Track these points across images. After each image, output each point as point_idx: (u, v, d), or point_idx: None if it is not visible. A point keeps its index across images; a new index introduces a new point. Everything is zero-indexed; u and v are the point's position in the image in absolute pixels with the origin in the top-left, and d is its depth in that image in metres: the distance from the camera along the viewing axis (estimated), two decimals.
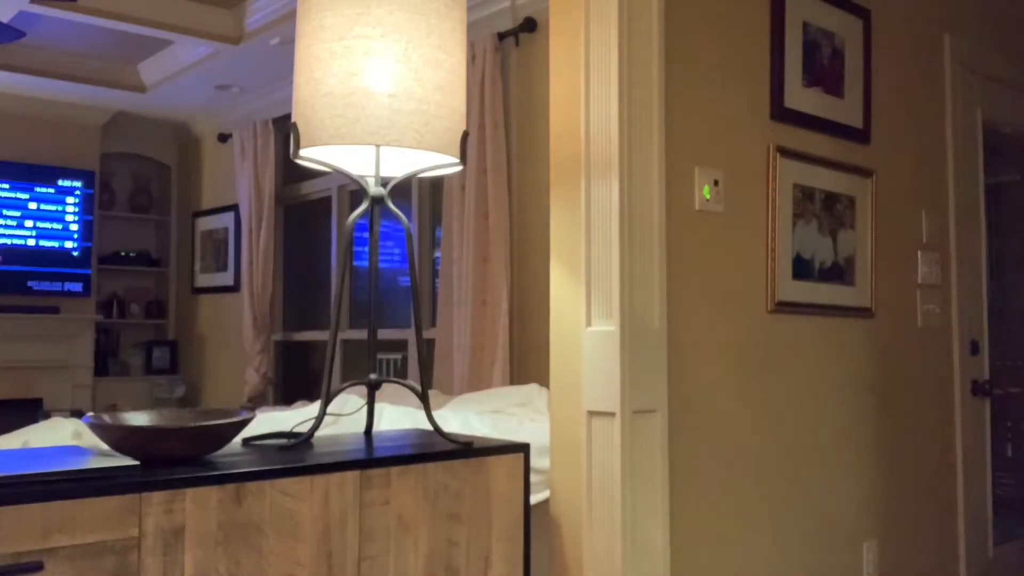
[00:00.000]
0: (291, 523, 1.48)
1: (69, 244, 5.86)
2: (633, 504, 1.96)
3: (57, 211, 5.83)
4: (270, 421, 1.96)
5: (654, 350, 2.04)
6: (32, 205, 5.74)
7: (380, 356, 4.80)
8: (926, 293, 2.97)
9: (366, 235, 4.79)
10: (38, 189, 5.76)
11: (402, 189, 4.49)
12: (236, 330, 5.62)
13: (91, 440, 1.63)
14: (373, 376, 1.77)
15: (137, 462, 1.46)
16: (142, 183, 6.58)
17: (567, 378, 2.08)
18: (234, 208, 5.86)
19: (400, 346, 4.77)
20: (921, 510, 2.90)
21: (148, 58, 5.35)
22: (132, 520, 1.38)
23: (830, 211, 2.62)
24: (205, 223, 6.29)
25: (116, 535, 1.36)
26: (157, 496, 1.40)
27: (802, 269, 2.52)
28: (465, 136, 1.76)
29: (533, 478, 2.13)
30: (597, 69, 2.06)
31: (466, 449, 1.69)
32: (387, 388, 3.19)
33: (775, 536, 2.40)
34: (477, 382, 3.80)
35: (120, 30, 4.52)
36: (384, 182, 1.81)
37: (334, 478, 1.51)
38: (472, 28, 3.93)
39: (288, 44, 4.53)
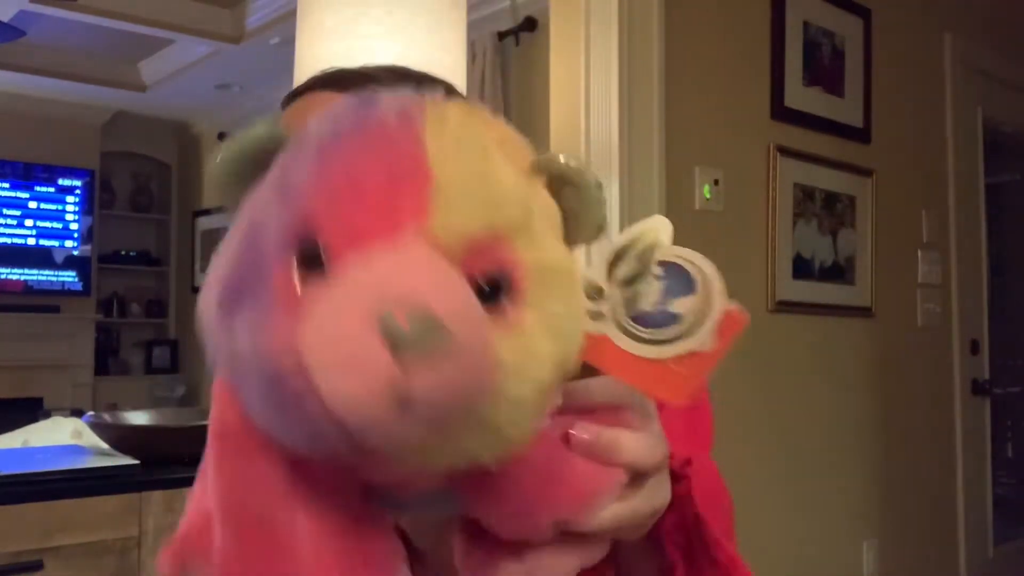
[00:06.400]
0: None
1: (69, 243, 5.85)
2: None
3: (57, 210, 5.81)
4: None
5: None
6: (32, 204, 5.73)
7: None
8: (926, 292, 2.97)
9: None
10: (38, 188, 5.75)
11: None
12: None
13: (91, 439, 1.63)
14: None
15: (137, 461, 1.46)
16: (142, 182, 6.57)
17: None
18: None
19: None
20: (921, 510, 2.90)
21: (148, 57, 5.34)
22: (132, 519, 1.38)
23: (830, 210, 2.62)
24: (205, 222, 6.28)
25: (116, 534, 1.36)
26: (157, 495, 1.40)
27: (802, 268, 2.52)
28: None
29: None
30: (597, 69, 2.06)
31: None
32: None
33: (775, 534, 2.40)
34: None
35: (120, 29, 4.51)
36: None
37: None
38: (472, 27, 3.92)
39: (288, 43, 4.51)
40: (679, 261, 0.41)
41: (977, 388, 3.14)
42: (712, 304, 0.42)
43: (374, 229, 0.33)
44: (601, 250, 0.42)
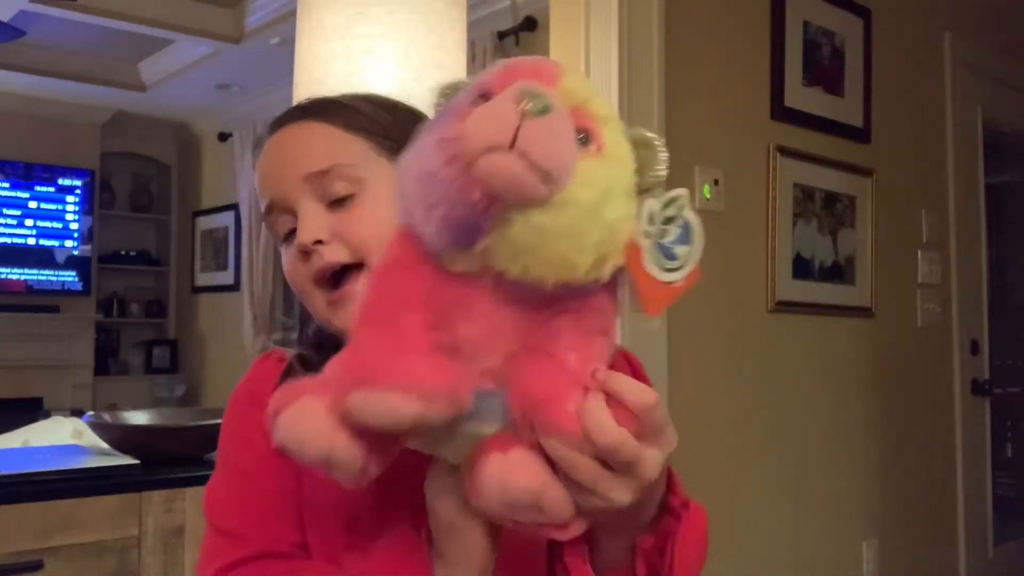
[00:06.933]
0: None
1: (69, 243, 5.85)
2: None
3: (57, 210, 5.82)
4: None
5: (654, 350, 2.04)
6: (32, 204, 5.73)
7: None
8: (926, 293, 2.97)
9: None
10: (38, 188, 5.75)
11: None
12: (236, 329, 5.61)
13: (91, 439, 1.63)
14: None
15: (137, 461, 1.46)
16: (142, 182, 6.57)
17: None
18: (234, 207, 5.85)
19: None
20: (921, 510, 2.90)
21: (148, 57, 5.34)
22: (132, 519, 1.38)
23: (830, 210, 2.62)
24: (205, 222, 6.28)
25: (116, 534, 1.36)
26: (157, 495, 1.40)
27: (802, 269, 2.52)
28: None
29: None
30: (597, 68, 2.06)
31: None
32: None
33: (775, 534, 2.40)
34: None
35: (120, 29, 4.51)
36: None
37: None
38: (472, 27, 3.92)
39: (288, 43, 4.51)
40: (691, 220, 0.59)
41: (977, 388, 3.14)
42: (694, 257, 0.59)
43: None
44: (663, 193, 0.59)
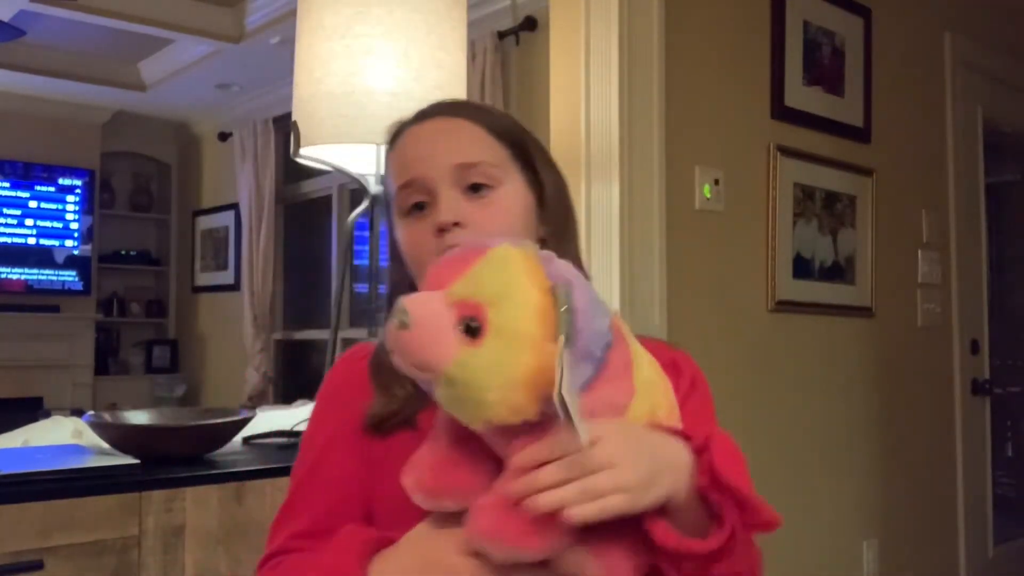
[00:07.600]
0: None
1: (69, 243, 5.85)
2: None
3: (57, 210, 5.81)
4: (270, 420, 1.96)
5: None
6: (32, 204, 5.73)
7: None
8: (926, 292, 2.97)
9: (366, 234, 4.76)
10: (38, 188, 5.75)
11: None
12: (236, 329, 5.61)
13: (91, 439, 1.63)
14: None
15: (137, 461, 1.46)
16: (142, 182, 6.56)
17: None
18: (234, 207, 5.85)
19: None
20: (921, 509, 2.90)
21: (148, 57, 5.34)
22: (132, 519, 1.38)
23: (830, 210, 2.62)
24: (205, 222, 6.27)
25: (116, 534, 1.36)
26: (157, 495, 1.40)
27: (802, 268, 2.52)
28: None
29: None
30: (597, 68, 2.06)
31: None
32: None
33: (775, 534, 2.40)
34: None
35: (120, 29, 4.50)
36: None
37: None
38: (472, 27, 3.91)
39: (288, 43, 4.50)
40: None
41: (977, 388, 3.14)
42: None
43: (433, 286, 0.71)
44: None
